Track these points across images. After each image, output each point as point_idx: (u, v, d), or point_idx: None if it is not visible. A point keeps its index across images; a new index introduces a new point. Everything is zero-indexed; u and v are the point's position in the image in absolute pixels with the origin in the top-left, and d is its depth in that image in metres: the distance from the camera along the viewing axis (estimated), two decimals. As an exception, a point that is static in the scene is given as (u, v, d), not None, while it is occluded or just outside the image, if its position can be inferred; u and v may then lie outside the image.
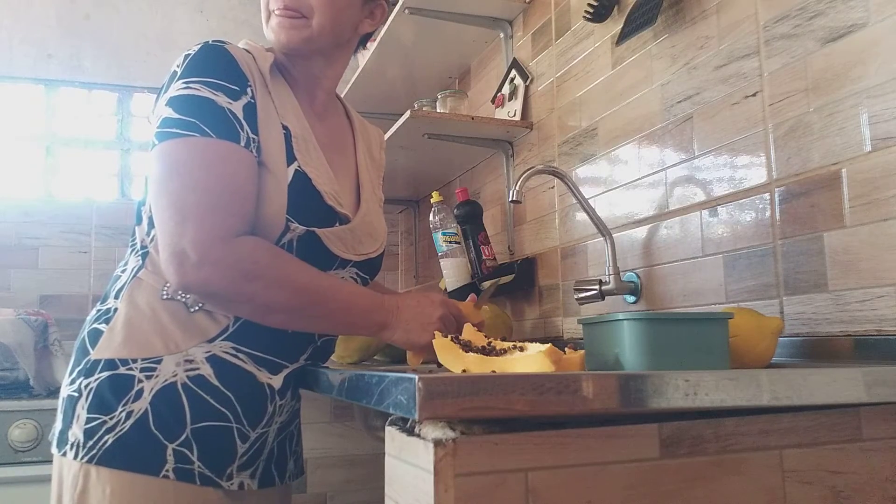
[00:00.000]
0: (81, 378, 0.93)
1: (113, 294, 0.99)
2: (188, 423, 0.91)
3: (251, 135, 0.94)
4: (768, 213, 1.10)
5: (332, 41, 1.05)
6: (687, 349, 0.77)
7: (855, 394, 0.68)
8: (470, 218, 1.86)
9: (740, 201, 1.16)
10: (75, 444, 0.91)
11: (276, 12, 1.01)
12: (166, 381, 0.91)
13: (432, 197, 1.94)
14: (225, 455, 0.94)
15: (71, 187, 2.76)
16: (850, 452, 0.72)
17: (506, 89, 1.96)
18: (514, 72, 1.93)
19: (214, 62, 0.94)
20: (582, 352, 0.88)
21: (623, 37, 1.38)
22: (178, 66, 0.95)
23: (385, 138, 2.01)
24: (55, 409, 0.97)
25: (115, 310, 0.96)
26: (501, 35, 2.02)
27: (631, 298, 1.41)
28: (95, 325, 0.97)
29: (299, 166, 0.97)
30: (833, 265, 0.99)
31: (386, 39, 2.11)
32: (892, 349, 0.89)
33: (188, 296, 0.95)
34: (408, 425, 0.63)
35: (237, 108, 0.93)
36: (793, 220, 1.06)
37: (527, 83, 1.87)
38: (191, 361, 0.93)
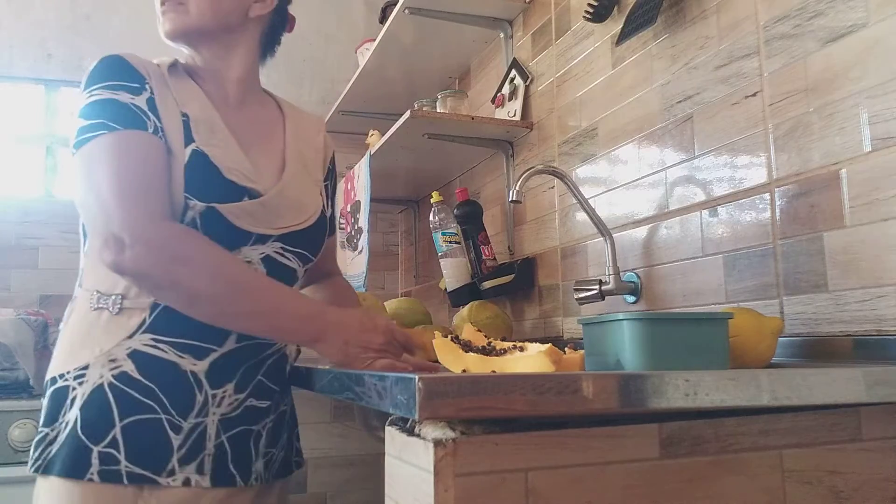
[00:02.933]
0: (41, 399, 1.01)
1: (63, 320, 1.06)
2: (116, 421, 0.93)
3: (158, 123, 0.99)
4: (768, 213, 1.10)
5: (218, 24, 1.08)
6: (687, 349, 0.77)
7: (855, 394, 0.68)
8: (470, 218, 1.86)
9: (740, 201, 1.16)
10: (33, 457, 0.96)
11: (161, 5, 1.08)
12: (94, 384, 0.94)
13: (432, 197, 1.94)
14: (158, 448, 0.93)
15: (71, 187, 2.76)
16: (850, 452, 0.72)
17: (506, 89, 1.96)
18: (514, 72, 1.93)
19: (111, 68, 1.00)
20: (582, 352, 0.88)
21: (623, 37, 1.38)
22: (82, 84, 1.01)
23: (385, 139, 2.01)
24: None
25: (60, 332, 1.04)
26: (501, 35, 2.02)
27: (631, 298, 1.41)
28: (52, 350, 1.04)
29: (196, 146, 1.01)
30: (833, 265, 0.99)
31: (386, 39, 2.11)
32: (892, 349, 0.89)
33: (112, 297, 0.98)
34: (408, 425, 0.63)
35: (140, 101, 0.99)
36: (793, 220, 1.06)
37: (527, 83, 1.87)
38: (114, 360, 0.95)
